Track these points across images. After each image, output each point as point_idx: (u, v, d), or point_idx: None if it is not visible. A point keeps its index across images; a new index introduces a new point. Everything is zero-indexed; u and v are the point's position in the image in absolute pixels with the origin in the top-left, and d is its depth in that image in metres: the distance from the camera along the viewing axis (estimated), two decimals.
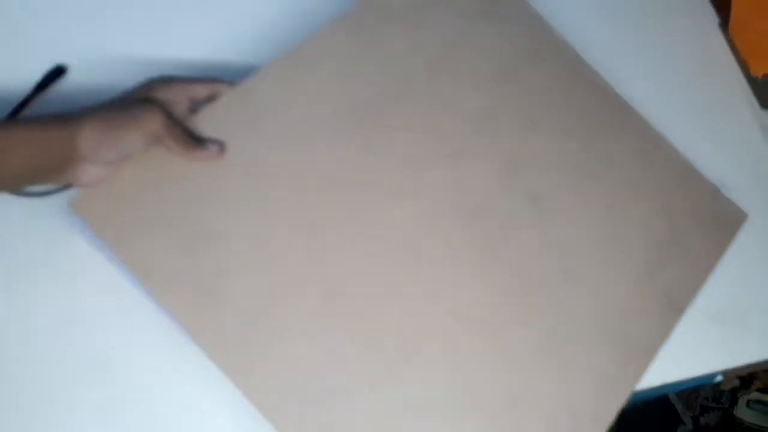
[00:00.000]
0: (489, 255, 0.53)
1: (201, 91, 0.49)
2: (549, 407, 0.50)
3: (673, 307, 0.56)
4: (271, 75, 0.53)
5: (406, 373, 0.47)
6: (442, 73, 0.58)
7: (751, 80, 0.75)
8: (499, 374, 0.49)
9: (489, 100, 0.58)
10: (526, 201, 0.56)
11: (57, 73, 0.54)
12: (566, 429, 0.49)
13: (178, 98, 0.47)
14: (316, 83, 0.54)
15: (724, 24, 0.78)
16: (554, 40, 0.64)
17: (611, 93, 0.64)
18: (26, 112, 0.53)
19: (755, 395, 1.19)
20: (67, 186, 0.50)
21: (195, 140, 0.48)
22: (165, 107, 0.46)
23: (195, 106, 0.50)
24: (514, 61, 0.61)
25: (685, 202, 0.61)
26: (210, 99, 0.50)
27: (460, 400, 0.48)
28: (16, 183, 0.42)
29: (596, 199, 0.58)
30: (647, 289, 0.56)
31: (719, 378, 0.62)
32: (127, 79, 0.55)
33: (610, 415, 0.51)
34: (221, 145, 0.49)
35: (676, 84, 0.72)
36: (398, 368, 0.47)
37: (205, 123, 0.49)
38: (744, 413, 1.20)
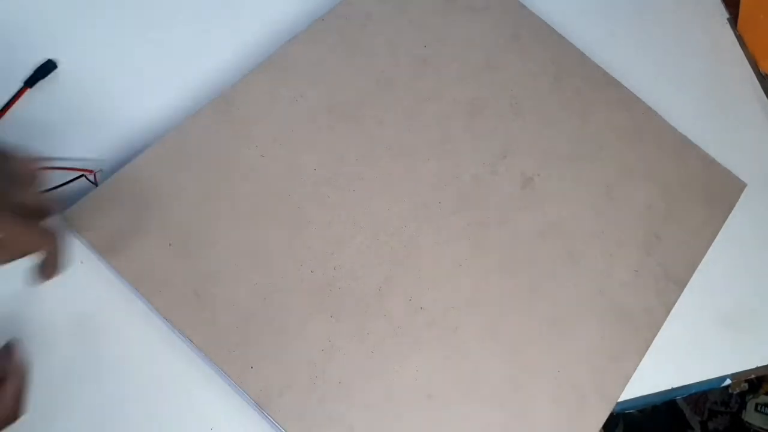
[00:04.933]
0: (485, 240, 0.53)
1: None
2: (554, 387, 0.50)
3: (674, 280, 0.56)
4: (253, 81, 0.53)
5: (408, 362, 0.48)
6: (425, 68, 0.59)
7: (761, 77, 0.74)
8: (502, 357, 0.50)
9: (474, 89, 0.59)
10: (518, 185, 0.56)
11: (47, 68, 0.53)
12: (573, 408, 0.49)
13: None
14: (297, 87, 0.54)
15: (733, 20, 0.77)
16: (536, 25, 0.64)
17: (599, 72, 0.64)
18: (15, 107, 0.52)
19: (764, 399, 1.19)
20: (60, 185, 0.49)
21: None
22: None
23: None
24: (497, 50, 0.61)
25: (681, 174, 0.61)
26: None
27: (464, 385, 0.48)
28: None
29: (589, 177, 0.58)
30: (647, 263, 0.56)
31: (727, 382, 0.61)
32: (118, 74, 0.55)
33: (617, 392, 0.51)
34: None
35: (684, 80, 0.72)
36: (400, 357, 0.48)
37: (190, 129, 0.51)
38: (752, 417, 1.19)
